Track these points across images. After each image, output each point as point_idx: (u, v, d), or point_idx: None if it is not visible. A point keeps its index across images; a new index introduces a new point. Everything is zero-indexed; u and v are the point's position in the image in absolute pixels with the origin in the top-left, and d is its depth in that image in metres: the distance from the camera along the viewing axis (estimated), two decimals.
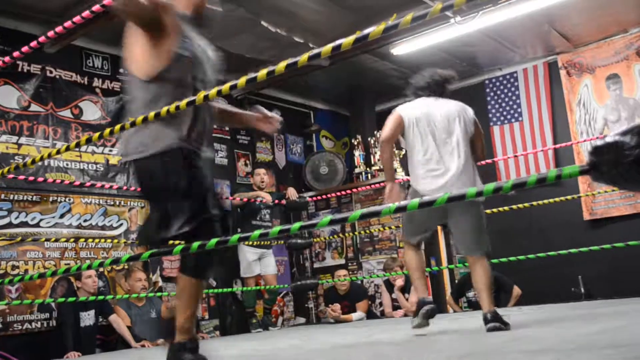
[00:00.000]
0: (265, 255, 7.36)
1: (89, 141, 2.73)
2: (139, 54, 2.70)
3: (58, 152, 2.98)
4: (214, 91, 2.27)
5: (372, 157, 8.80)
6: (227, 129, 8.40)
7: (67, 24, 2.70)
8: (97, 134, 2.67)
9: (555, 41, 8.25)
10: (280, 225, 8.46)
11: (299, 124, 9.67)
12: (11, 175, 4.85)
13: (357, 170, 8.87)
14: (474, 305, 7.25)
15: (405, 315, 6.94)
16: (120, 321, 5.91)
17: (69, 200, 6.42)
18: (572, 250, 4.98)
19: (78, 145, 2.79)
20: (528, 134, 8.72)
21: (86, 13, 2.65)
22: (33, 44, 2.87)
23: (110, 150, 6.91)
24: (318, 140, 9.90)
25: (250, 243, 7.10)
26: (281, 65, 2.03)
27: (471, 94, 9.29)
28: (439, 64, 8.55)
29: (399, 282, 7.11)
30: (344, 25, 7.03)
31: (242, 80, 2.16)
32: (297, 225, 1.98)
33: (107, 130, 2.61)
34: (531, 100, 8.76)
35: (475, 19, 6.92)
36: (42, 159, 3.18)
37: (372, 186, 8.12)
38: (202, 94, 2.25)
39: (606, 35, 8.16)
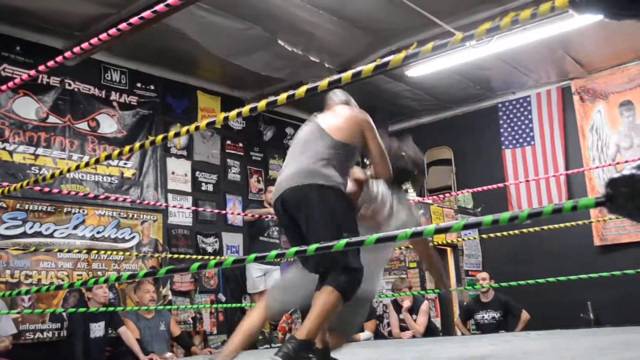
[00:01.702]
0: (271, 270, 7.36)
1: (108, 157, 2.77)
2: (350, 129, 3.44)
3: (77, 167, 3.03)
4: (234, 112, 2.31)
5: None
6: (240, 145, 8.46)
7: (93, 40, 2.75)
8: (116, 152, 2.72)
9: (569, 67, 8.28)
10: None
11: None
12: (28, 187, 4.90)
13: None
14: (482, 328, 7.24)
15: (414, 336, 6.93)
16: (129, 333, 5.94)
17: (83, 211, 6.49)
18: (581, 276, 4.97)
19: (97, 161, 2.84)
20: (540, 158, 8.73)
21: (112, 31, 2.70)
22: (59, 58, 2.92)
23: (125, 164, 6.98)
24: None
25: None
26: (302, 90, 2.07)
27: (484, 117, 9.35)
28: (453, 86, 8.66)
29: (407, 302, 7.11)
30: (360, 46, 7.11)
31: (262, 103, 2.20)
32: (313, 247, 2.01)
33: (127, 148, 2.66)
34: (544, 125, 8.78)
35: (490, 43, 6.96)
36: (61, 173, 3.22)
37: None
38: None
39: (620, 62, 8.19)
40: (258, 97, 8.27)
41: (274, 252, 2.12)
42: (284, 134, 9.27)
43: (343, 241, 1.81)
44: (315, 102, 8.88)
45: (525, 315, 7.12)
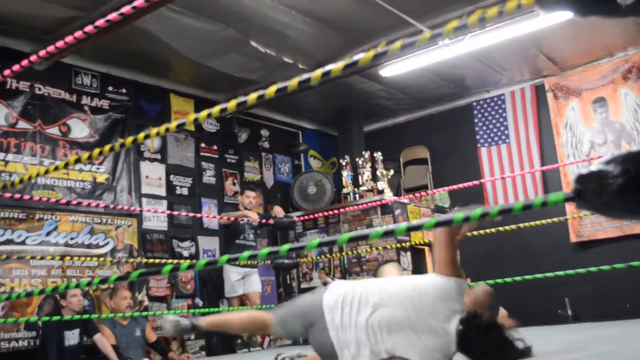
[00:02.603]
0: (249, 274, 7.32)
1: (77, 161, 2.71)
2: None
3: (47, 171, 2.97)
4: (204, 113, 2.27)
5: (360, 177, 8.81)
6: (215, 147, 8.41)
7: (60, 43, 2.70)
8: (86, 155, 2.66)
9: (542, 64, 8.34)
10: (267, 245, 8.46)
11: (287, 143, 9.69)
12: None
13: (344, 191, 8.87)
14: None
15: None
16: (104, 341, 5.85)
17: (56, 218, 6.39)
18: (558, 273, 4.99)
19: (67, 165, 2.78)
20: (515, 155, 8.78)
21: (79, 34, 2.64)
22: (24, 62, 2.86)
23: (98, 169, 6.89)
24: (306, 160, 9.92)
25: (235, 263, 7.07)
26: (271, 90, 2.04)
27: (459, 115, 9.39)
28: (427, 85, 8.68)
29: None
30: (333, 47, 7.09)
31: (232, 104, 2.17)
32: (286, 247, 1.98)
33: (96, 151, 2.60)
34: (518, 123, 8.83)
35: (464, 41, 6.98)
36: (30, 178, 3.16)
37: (360, 206, 8.12)
38: None
39: (593, 59, 8.26)
40: (232, 99, 8.19)
41: (246, 253, 2.08)
42: (259, 136, 9.23)
43: (316, 241, 1.78)
44: (290, 104, 8.91)
45: (502, 312, 7.13)
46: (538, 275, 4.98)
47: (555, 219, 6.23)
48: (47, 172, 3.10)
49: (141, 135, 2.61)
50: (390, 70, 7.82)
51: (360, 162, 8.86)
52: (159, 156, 7.68)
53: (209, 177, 8.29)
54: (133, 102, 7.46)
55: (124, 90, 7.37)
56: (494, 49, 7.49)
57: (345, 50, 7.14)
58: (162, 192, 7.59)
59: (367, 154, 8.82)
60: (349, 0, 6.15)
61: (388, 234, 1.77)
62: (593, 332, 4.57)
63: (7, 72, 3.11)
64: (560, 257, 7.88)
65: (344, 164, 9.05)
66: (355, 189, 8.78)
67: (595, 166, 1.27)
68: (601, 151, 8.10)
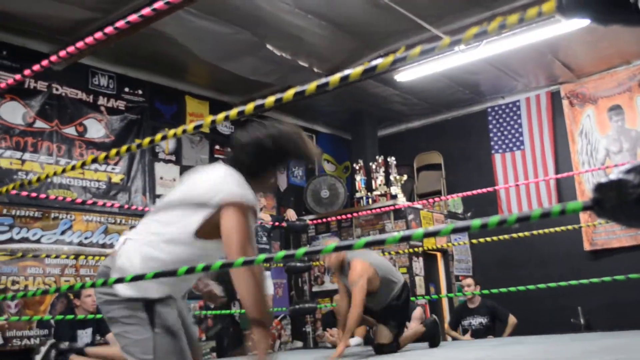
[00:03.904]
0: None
1: (94, 161, 2.74)
2: None
3: (63, 170, 2.99)
4: (221, 115, 2.29)
5: (373, 182, 8.81)
6: (229, 149, 8.44)
7: (80, 44, 2.72)
8: (102, 155, 2.68)
9: (558, 71, 8.31)
10: (280, 247, 8.47)
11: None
12: (14, 191, 4.86)
13: (358, 195, 8.88)
14: (471, 334, 7.22)
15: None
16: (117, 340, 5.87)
17: (71, 217, 6.44)
18: (572, 282, 4.98)
19: (84, 164, 2.80)
20: (530, 162, 8.76)
21: (99, 35, 2.67)
22: (44, 62, 2.89)
23: (113, 169, 6.93)
24: (320, 164, 9.93)
25: None
26: (289, 93, 2.04)
27: (474, 121, 9.37)
28: (442, 90, 8.68)
29: None
30: (348, 51, 7.10)
31: (250, 107, 2.18)
32: (301, 250, 1.99)
33: (113, 151, 2.62)
34: (533, 129, 8.80)
35: (479, 47, 6.97)
36: (47, 177, 3.18)
37: (373, 211, 8.11)
38: None
39: (609, 67, 8.23)
40: (247, 101, 8.14)
41: (262, 256, 2.09)
42: None
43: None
44: (304, 107, 8.92)
45: (512, 319, 7.12)
46: (551, 284, 4.97)
47: (569, 227, 6.21)
48: (64, 171, 3.13)
49: (158, 136, 2.63)
50: (405, 75, 7.82)
51: (373, 167, 8.86)
52: (173, 157, 7.71)
53: None
54: (149, 103, 7.50)
55: (139, 92, 7.42)
56: (510, 55, 7.48)
57: (360, 55, 7.15)
58: None
59: (380, 159, 8.82)
60: (365, 4, 6.16)
61: (405, 239, 1.78)
62: (605, 342, 4.55)
63: (27, 71, 3.14)
64: (573, 265, 7.85)
65: (357, 168, 9.05)
66: (369, 194, 8.78)
67: (614, 175, 1.27)
68: (616, 159, 8.06)
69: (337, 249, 1.88)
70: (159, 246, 2.39)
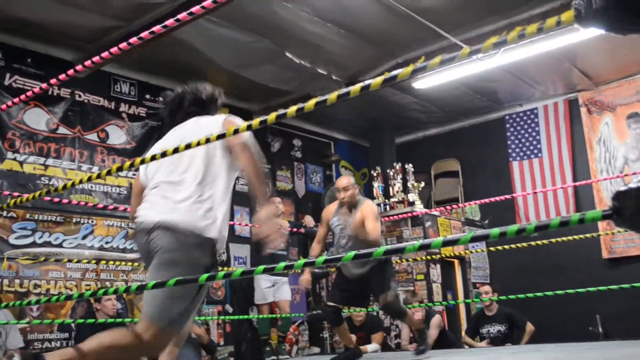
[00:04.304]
0: (280, 282, 7.37)
1: (119, 169, 2.79)
2: None
3: (89, 179, 3.06)
4: (244, 125, 2.34)
5: (391, 188, 8.83)
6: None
7: (105, 54, 2.80)
8: (127, 163, 2.74)
9: (576, 79, 8.30)
10: (297, 253, 8.51)
11: (319, 153, 9.75)
12: (40, 197, 4.94)
13: (375, 202, 8.88)
14: (490, 341, 7.22)
15: None
16: None
17: (92, 222, 6.52)
18: (590, 289, 4.96)
19: (109, 172, 2.86)
20: (547, 170, 8.74)
21: (123, 45, 2.74)
22: (71, 72, 2.97)
23: (134, 174, 7.01)
24: (337, 171, 9.97)
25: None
26: (311, 103, 2.09)
27: (491, 129, 9.37)
28: (460, 98, 8.69)
29: (418, 315, 7.07)
30: (367, 59, 7.15)
31: (272, 116, 2.22)
32: (321, 258, 2.03)
33: (138, 160, 2.68)
34: (551, 137, 8.79)
35: (497, 55, 6.98)
36: (73, 184, 3.25)
37: (391, 218, 8.13)
38: None
39: (627, 74, 8.20)
40: (266, 109, 8.31)
41: (282, 264, 2.13)
42: (291, 146, 9.31)
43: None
44: (322, 114, 8.96)
45: (530, 327, 7.10)
46: (569, 290, 4.96)
47: (587, 235, 6.19)
48: (89, 179, 3.20)
49: (182, 145, 2.68)
50: (423, 83, 7.84)
51: (391, 174, 8.87)
52: None
53: (241, 185, 8.34)
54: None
55: (160, 99, 7.48)
56: (528, 62, 7.48)
57: (379, 62, 7.19)
58: None
59: (398, 166, 8.84)
60: (383, 13, 6.20)
61: (424, 247, 1.81)
62: (624, 351, 4.54)
63: (53, 80, 3.22)
64: (591, 273, 7.81)
65: (375, 175, 9.07)
66: (386, 200, 8.79)
67: (634, 183, 1.29)
68: (635, 167, 8.02)
69: (357, 257, 1.91)
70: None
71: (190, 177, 2.73)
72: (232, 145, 2.73)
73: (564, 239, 5.90)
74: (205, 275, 2.36)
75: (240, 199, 8.25)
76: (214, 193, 2.73)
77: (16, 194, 4.69)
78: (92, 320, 5.36)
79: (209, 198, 2.69)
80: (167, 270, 2.49)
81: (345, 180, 5.27)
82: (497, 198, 6.44)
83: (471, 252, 8.48)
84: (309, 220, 7.70)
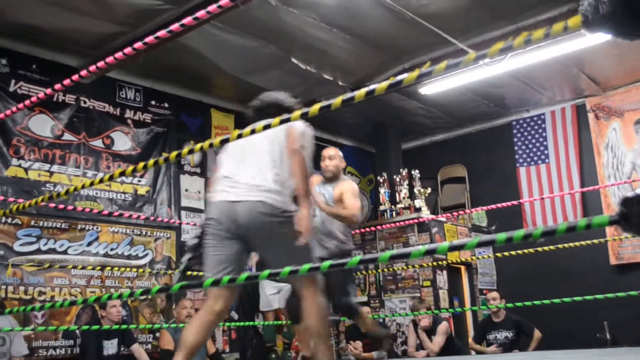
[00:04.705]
0: (285, 288, 7.33)
1: (122, 174, 2.78)
2: None
3: (92, 183, 3.04)
4: (248, 129, 2.32)
5: (397, 194, 8.80)
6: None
7: (110, 59, 2.78)
8: (130, 168, 2.72)
9: (583, 84, 8.26)
10: None
11: None
12: (42, 203, 4.93)
13: (381, 208, 8.87)
14: (498, 347, 7.17)
15: (428, 355, 6.87)
16: (142, 351, 5.93)
17: (97, 228, 6.51)
18: (597, 296, 4.92)
19: (112, 177, 2.85)
20: (555, 176, 8.69)
21: (128, 50, 2.72)
22: (75, 77, 2.95)
23: (139, 181, 7.01)
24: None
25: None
26: (315, 108, 2.07)
27: (498, 134, 9.33)
28: (466, 103, 8.66)
29: (424, 322, 7.03)
30: (373, 64, 7.13)
31: (276, 121, 2.21)
32: (326, 264, 2.01)
33: (141, 165, 2.66)
34: (558, 143, 8.75)
35: (504, 61, 6.96)
36: (75, 190, 3.24)
37: (397, 224, 8.10)
38: None
39: (635, 80, 8.16)
40: None
41: (288, 269, 2.11)
42: None
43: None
44: (328, 120, 8.96)
45: (537, 334, 7.05)
46: (577, 297, 4.91)
47: (595, 241, 6.15)
48: (92, 184, 3.18)
49: (185, 150, 2.66)
50: (430, 89, 7.82)
51: (397, 180, 8.85)
52: (198, 170, 7.77)
53: None
54: (174, 116, 7.57)
55: (166, 105, 7.50)
56: (535, 68, 7.45)
57: (385, 68, 7.18)
58: (201, 205, 7.67)
59: (404, 172, 8.81)
60: (389, 18, 6.19)
61: (430, 252, 1.79)
62: (632, 358, 4.49)
63: (57, 86, 3.21)
64: (599, 279, 7.75)
65: (381, 181, 9.05)
66: (392, 206, 8.77)
67: None
68: None
69: (362, 262, 1.89)
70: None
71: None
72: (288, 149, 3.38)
73: (571, 244, 5.85)
74: (211, 280, 2.34)
75: None
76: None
77: (21, 200, 4.67)
78: (97, 327, 5.35)
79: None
80: None
81: (333, 150, 5.28)
82: (504, 204, 6.40)
83: (478, 259, 8.44)
84: None
